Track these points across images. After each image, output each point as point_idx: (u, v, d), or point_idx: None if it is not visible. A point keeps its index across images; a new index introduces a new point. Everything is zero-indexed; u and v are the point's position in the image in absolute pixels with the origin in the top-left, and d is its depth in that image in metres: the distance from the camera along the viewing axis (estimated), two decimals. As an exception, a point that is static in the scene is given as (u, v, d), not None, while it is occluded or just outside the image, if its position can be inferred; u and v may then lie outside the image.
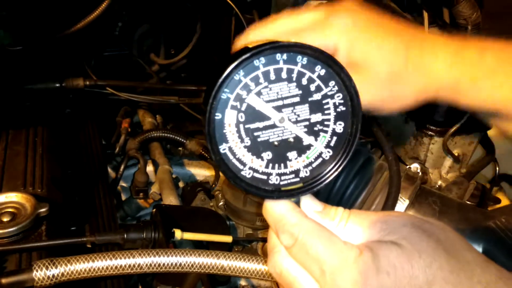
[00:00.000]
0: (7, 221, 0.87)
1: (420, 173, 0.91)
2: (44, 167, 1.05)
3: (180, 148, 1.40)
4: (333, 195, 0.87)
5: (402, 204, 0.85)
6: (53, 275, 0.74)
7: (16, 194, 0.92)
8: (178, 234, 0.92)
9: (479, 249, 0.81)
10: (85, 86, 1.34)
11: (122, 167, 1.24)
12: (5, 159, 1.06)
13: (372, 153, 0.92)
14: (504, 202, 1.38)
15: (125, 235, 0.88)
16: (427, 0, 1.47)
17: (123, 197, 1.33)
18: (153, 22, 1.67)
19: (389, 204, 0.83)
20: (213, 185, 1.26)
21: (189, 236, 0.94)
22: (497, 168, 1.19)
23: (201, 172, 1.42)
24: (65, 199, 1.04)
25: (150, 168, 1.32)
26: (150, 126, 1.45)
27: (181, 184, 1.36)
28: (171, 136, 1.35)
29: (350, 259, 0.44)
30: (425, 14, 1.45)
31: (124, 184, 1.36)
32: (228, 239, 0.98)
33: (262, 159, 0.48)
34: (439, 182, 1.10)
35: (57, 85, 1.31)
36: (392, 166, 0.84)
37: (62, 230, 0.96)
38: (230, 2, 1.45)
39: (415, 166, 0.91)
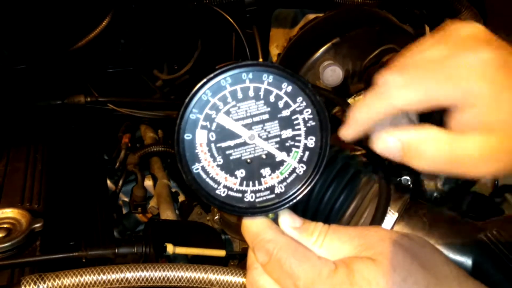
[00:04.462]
0: (2, 237, 0.89)
1: (411, 186, 0.90)
2: (43, 183, 1.07)
3: (181, 163, 1.41)
4: (322, 209, 0.87)
5: (391, 217, 0.85)
6: (41, 290, 0.75)
7: (12, 210, 0.94)
8: (170, 248, 0.93)
9: (469, 262, 0.80)
10: (86, 103, 1.36)
11: (120, 182, 1.26)
12: (5, 175, 1.09)
13: (362, 165, 0.92)
14: (508, 213, 1.35)
15: (116, 250, 0.89)
16: (428, 11, 1.47)
17: (124, 212, 1.35)
18: (155, 38, 1.69)
19: (377, 218, 0.82)
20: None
21: (182, 250, 0.95)
22: (497, 179, 1.17)
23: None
24: (62, 214, 1.05)
25: (149, 182, 1.33)
26: (151, 141, 1.47)
27: (181, 198, 1.37)
28: (170, 150, 1.36)
29: (324, 274, 0.45)
30: (427, 27, 1.44)
31: (125, 199, 1.38)
32: (221, 253, 0.99)
33: (236, 177, 0.48)
34: (435, 194, 1.08)
35: (59, 102, 1.34)
36: (381, 179, 0.83)
37: (57, 245, 0.97)
38: (229, 18, 1.47)
39: (405, 179, 0.90)
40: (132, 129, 1.53)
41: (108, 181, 1.34)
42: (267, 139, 0.48)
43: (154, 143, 1.43)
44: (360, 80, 1.19)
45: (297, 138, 0.49)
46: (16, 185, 1.06)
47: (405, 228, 0.84)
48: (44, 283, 0.76)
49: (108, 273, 0.79)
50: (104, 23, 1.33)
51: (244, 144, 0.48)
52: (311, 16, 1.41)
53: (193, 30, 1.63)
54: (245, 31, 1.51)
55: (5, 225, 0.92)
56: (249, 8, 1.47)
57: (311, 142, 0.49)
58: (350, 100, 1.21)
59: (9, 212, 0.94)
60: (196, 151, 0.47)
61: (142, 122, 1.58)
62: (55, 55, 1.35)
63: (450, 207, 1.08)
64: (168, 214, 1.16)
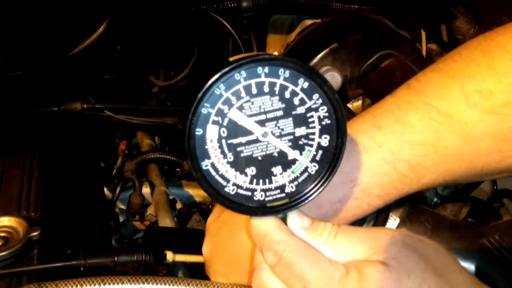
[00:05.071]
0: (-1, 246, 0.88)
1: (412, 191, 0.89)
2: (39, 191, 1.06)
3: (178, 169, 1.40)
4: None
5: (392, 222, 0.84)
6: (40, 300, 0.74)
7: (8, 218, 0.93)
8: (170, 256, 0.92)
9: (472, 267, 0.80)
10: (82, 110, 1.35)
11: (118, 189, 1.24)
12: (1, 183, 1.07)
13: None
14: (506, 218, 1.36)
15: (116, 258, 0.88)
16: (424, 17, 1.48)
17: (121, 219, 1.33)
18: (152, 44, 1.69)
19: (379, 223, 0.82)
20: (210, 206, 1.26)
21: (181, 258, 0.94)
22: (495, 184, 1.18)
23: (200, 193, 1.42)
24: (60, 222, 1.04)
25: (147, 189, 1.32)
26: (148, 148, 1.46)
27: (179, 205, 1.36)
28: (167, 157, 1.35)
29: (335, 278, 0.44)
30: (423, 32, 1.45)
31: (122, 206, 1.37)
32: (221, 260, 0.97)
33: (246, 175, 0.47)
34: (435, 199, 1.08)
35: (55, 108, 1.33)
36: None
37: (55, 253, 0.96)
38: (226, 24, 1.47)
39: (406, 184, 0.90)
40: (128, 136, 1.52)
41: (105, 189, 1.33)
42: (280, 136, 0.47)
43: (151, 150, 1.42)
44: (359, 85, 1.19)
45: (310, 136, 0.48)
46: (12, 192, 1.04)
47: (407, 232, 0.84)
48: (43, 292, 0.74)
49: (109, 283, 0.77)
50: (100, 29, 1.33)
51: (256, 141, 0.46)
52: (308, 22, 1.41)
53: (190, 36, 1.63)
54: (242, 37, 1.51)
55: (2, 234, 0.90)
56: (246, 14, 1.47)
57: (325, 141, 0.48)
58: (348, 105, 1.21)
59: (6, 221, 0.93)
60: (206, 147, 0.45)
61: (138, 129, 1.57)
62: (52, 62, 1.35)
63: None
64: (166, 221, 1.15)
